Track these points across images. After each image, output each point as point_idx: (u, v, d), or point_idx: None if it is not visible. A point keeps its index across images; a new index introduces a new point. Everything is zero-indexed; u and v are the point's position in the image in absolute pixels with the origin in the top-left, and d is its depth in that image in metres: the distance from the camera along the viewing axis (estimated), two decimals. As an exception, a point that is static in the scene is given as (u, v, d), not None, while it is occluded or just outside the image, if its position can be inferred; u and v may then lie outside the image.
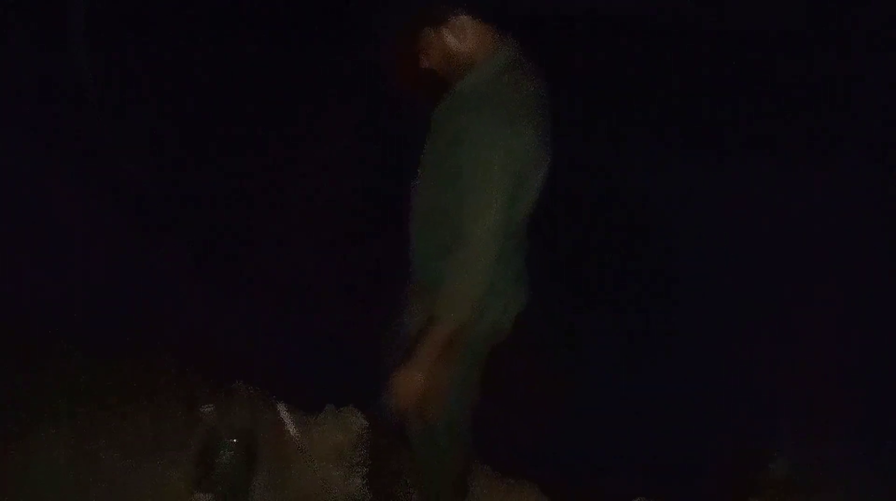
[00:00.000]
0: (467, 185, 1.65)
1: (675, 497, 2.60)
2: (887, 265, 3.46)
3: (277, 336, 3.10)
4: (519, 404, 2.85)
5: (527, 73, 1.76)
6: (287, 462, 2.64)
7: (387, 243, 2.18)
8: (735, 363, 3.17)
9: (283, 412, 2.62)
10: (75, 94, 4.69)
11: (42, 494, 2.44)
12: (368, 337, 2.27)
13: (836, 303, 3.31)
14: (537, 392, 2.92)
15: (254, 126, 4.99)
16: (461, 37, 1.71)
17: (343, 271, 3.60)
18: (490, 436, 2.81)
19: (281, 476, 2.57)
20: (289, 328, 3.16)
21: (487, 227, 1.66)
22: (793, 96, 5.34)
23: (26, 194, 3.65)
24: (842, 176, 4.20)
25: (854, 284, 3.42)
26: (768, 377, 3.09)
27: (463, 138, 1.66)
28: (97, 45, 4.93)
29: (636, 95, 5.41)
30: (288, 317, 3.25)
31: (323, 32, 5.92)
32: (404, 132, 2.03)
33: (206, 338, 2.95)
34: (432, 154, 1.82)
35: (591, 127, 4.64)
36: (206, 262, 3.67)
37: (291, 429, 2.59)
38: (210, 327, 3.06)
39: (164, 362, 2.96)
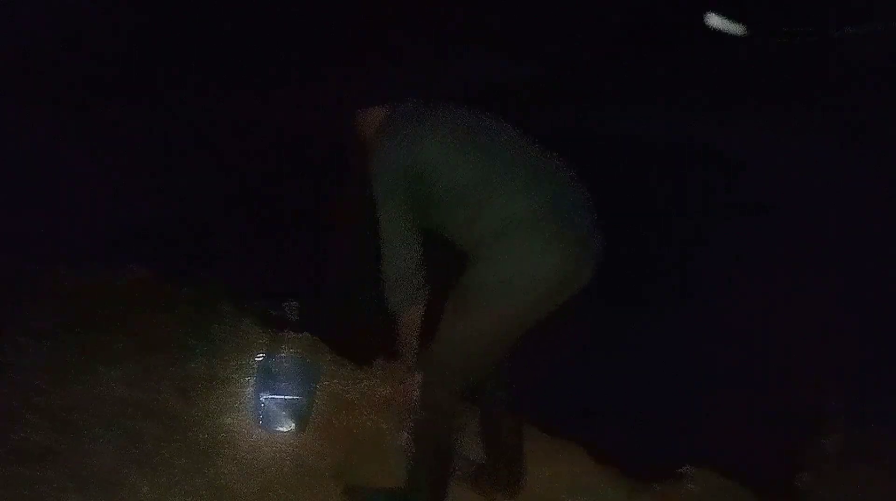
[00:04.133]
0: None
1: (724, 466, 2.58)
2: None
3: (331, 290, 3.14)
4: (567, 365, 2.84)
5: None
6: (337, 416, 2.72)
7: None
8: (789, 331, 3.08)
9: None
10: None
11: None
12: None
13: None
14: (587, 354, 2.90)
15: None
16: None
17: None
18: (537, 396, 2.83)
19: (330, 429, 2.65)
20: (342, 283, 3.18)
21: (387, 226, 2.00)
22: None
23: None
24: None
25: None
26: (822, 346, 3.00)
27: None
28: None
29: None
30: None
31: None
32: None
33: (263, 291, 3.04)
34: None
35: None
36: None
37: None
38: (267, 281, 3.13)
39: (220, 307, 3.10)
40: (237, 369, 2.87)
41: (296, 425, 2.61)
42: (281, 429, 2.60)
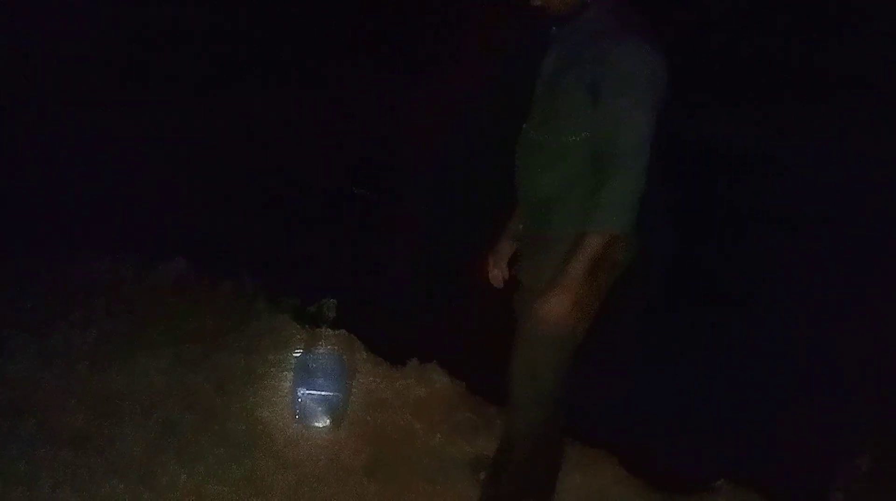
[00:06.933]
0: (611, 98, 1.77)
1: (757, 481, 2.58)
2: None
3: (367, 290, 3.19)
4: (601, 376, 2.85)
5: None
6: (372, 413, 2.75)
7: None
8: (824, 351, 3.08)
9: None
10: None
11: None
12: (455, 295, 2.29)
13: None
14: (621, 365, 2.91)
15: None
16: None
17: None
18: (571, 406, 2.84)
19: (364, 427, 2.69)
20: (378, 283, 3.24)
21: (638, 136, 1.77)
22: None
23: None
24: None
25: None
26: (853, 363, 3.00)
27: (594, 56, 1.78)
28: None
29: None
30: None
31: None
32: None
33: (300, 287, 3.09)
34: (553, 67, 1.92)
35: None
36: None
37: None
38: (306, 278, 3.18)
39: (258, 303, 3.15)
40: (274, 364, 2.91)
41: (331, 421, 2.64)
42: (317, 424, 2.64)
